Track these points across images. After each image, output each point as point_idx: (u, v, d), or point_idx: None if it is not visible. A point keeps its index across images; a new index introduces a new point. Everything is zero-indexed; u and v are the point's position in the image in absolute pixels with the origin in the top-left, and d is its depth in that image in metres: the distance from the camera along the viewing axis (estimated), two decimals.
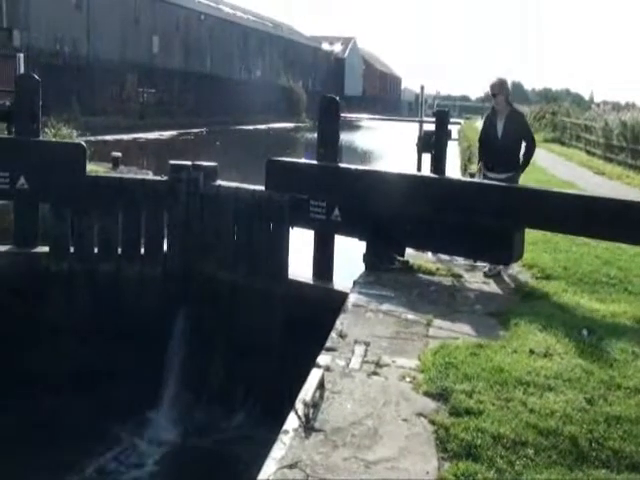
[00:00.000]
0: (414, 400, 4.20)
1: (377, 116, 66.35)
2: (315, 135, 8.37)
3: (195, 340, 8.07)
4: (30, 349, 7.93)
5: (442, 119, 7.90)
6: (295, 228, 8.00)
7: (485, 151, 7.69)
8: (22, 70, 9.14)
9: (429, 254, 7.79)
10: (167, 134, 41.85)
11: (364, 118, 60.29)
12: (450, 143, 8.14)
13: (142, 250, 8.48)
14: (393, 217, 7.26)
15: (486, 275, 7.14)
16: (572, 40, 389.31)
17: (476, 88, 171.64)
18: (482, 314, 5.96)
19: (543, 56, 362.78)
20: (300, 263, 8.24)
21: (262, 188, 8.16)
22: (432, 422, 3.91)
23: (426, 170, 8.06)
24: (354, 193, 7.53)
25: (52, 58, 38.75)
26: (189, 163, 8.55)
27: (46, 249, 8.33)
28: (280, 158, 8.63)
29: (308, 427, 3.80)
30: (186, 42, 57.92)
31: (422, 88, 9.79)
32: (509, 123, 7.42)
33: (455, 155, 24.52)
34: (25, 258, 8.27)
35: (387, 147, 41.06)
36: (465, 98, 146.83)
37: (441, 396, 4.22)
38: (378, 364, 4.72)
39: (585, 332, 5.37)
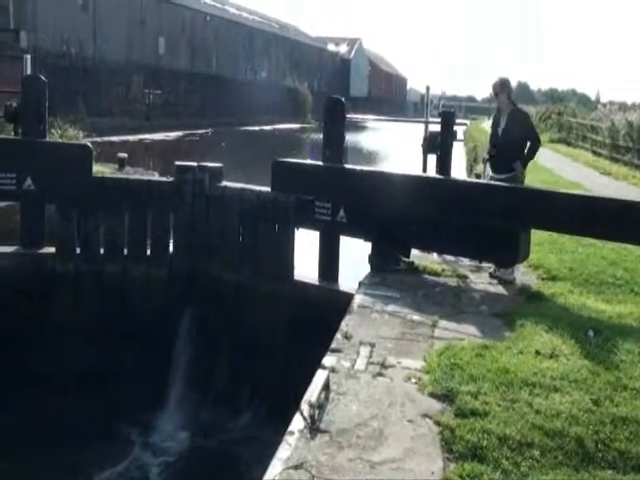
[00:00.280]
0: (419, 401, 4.20)
1: (382, 117, 66.27)
2: (321, 136, 8.38)
3: (201, 341, 8.09)
4: (36, 350, 7.94)
5: (448, 120, 7.89)
6: (300, 229, 8.01)
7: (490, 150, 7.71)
8: (29, 71, 9.13)
9: (434, 255, 7.79)
10: (173, 135, 41.92)
11: (370, 119, 60.27)
12: (456, 144, 8.13)
13: (148, 251, 8.50)
14: (398, 218, 7.26)
15: (498, 280, 7.07)
16: (578, 40, 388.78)
17: (482, 88, 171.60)
18: (488, 315, 5.95)
19: (549, 56, 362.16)
20: (306, 264, 8.24)
21: (268, 189, 8.17)
22: (437, 423, 3.91)
23: (431, 171, 8.06)
24: (359, 194, 7.54)
25: (59, 59, 38.86)
26: (195, 164, 8.57)
27: (52, 250, 8.35)
28: (286, 159, 8.65)
29: (313, 428, 3.80)
30: (192, 43, 58.02)
31: (428, 89, 9.78)
32: (510, 122, 7.42)
33: (461, 156, 24.48)
34: (31, 259, 8.30)
35: (392, 148, 41.02)
36: (471, 99, 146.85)
37: (446, 397, 4.22)
38: (383, 365, 4.72)
39: (591, 333, 5.36)
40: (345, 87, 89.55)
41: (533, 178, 8.61)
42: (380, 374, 4.58)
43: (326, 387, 4.22)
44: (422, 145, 8.29)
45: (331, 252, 7.96)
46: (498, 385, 4.35)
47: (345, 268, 8.02)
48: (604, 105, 31.55)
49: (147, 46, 51.38)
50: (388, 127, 62.53)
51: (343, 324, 5.50)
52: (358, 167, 8.14)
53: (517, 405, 4.10)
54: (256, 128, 54.44)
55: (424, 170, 8.47)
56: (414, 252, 7.53)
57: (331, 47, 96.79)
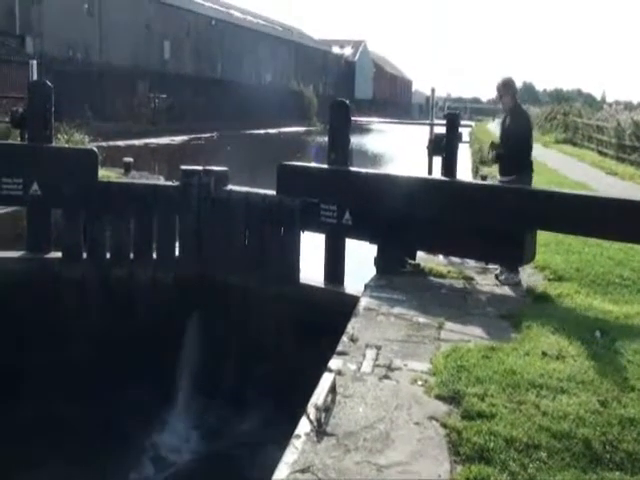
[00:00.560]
0: (426, 403, 4.20)
1: (388, 119, 66.21)
2: (326, 138, 8.38)
3: (207, 344, 8.09)
4: (43, 354, 7.96)
5: (453, 122, 7.88)
6: (306, 232, 8.01)
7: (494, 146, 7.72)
8: (35, 77, 9.18)
9: (440, 257, 7.78)
10: (178, 139, 42.00)
11: (375, 121, 60.28)
12: (461, 145, 8.13)
13: (154, 255, 8.52)
14: (404, 220, 7.26)
15: (503, 283, 7.05)
16: (584, 40, 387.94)
17: (487, 90, 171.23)
18: (494, 316, 5.94)
19: (554, 57, 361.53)
20: (311, 266, 8.24)
21: (273, 192, 8.18)
22: (444, 425, 3.91)
23: (437, 173, 8.05)
24: (365, 196, 7.54)
25: (65, 64, 38.95)
26: (200, 168, 8.58)
27: (59, 255, 8.38)
28: (291, 162, 8.66)
29: (320, 431, 3.80)
30: (197, 47, 58.16)
31: (433, 91, 9.77)
32: (510, 124, 7.40)
33: (466, 157, 24.45)
34: (38, 264, 8.32)
35: (398, 150, 40.99)
36: (476, 100, 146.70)
37: (453, 399, 4.21)
38: (390, 368, 4.72)
39: (598, 334, 5.35)
40: (350, 89, 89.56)
41: (538, 179, 8.59)
42: (386, 377, 4.58)
43: (332, 390, 4.21)
44: (427, 147, 8.29)
45: (337, 255, 7.96)
46: (505, 387, 4.34)
47: (351, 270, 8.02)
48: (610, 105, 31.49)
49: (152, 51, 51.56)
50: (393, 129, 62.49)
51: (349, 327, 5.50)
52: (363, 170, 8.15)
53: (524, 407, 4.10)
54: (261, 131, 54.49)
55: (429, 172, 8.47)
56: (420, 254, 7.52)
57: (336, 49, 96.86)
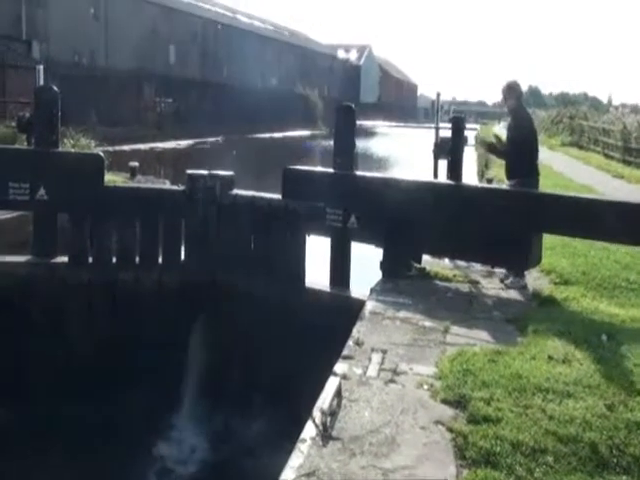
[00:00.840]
0: (432, 408, 4.19)
1: (393, 123, 66.26)
2: (331, 142, 8.39)
3: (213, 348, 8.10)
4: (50, 358, 7.99)
5: (458, 125, 7.89)
6: (312, 236, 8.01)
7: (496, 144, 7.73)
8: (41, 82, 9.22)
9: (446, 260, 7.77)
10: (184, 143, 42.10)
11: (380, 125, 60.30)
12: (466, 149, 8.12)
13: (160, 259, 8.53)
14: (409, 224, 7.25)
15: (508, 286, 7.03)
16: (590, 44, 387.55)
17: (493, 93, 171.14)
18: (500, 320, 5.93)
19: (560, 61, 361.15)
20: (317, 270, 8.24)
21: (279, 197, 8.19)
22: (450, 430, 3.90)
23: (442, 176, 8.05)
24: (370, 200, 7.54)
25: (71, 69, 39.09)
26: (206, 172, 8.59)
27: (65, 259, 8.40)
28: (297, 167, 8.67)
29: (326, 435, 3.80)
30: (203, 52, 58.29)
31: (438, 95, 9.78)
32: (512, 127, 7.40)
33: (472, 161, 24.43)
34: (44, 268, 8.34)
35: (403, 154, 41.00)
36: (482, 103, 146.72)
37: (459, 403, 4.21)
38: (395, 372, 4.71)
39: (604, 337, 5.33)
40: (355, 93, 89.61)
41: (544, 182, 8.57)
42: (392, 381, 4.57)
43: (338, 394, 4.21)
44: (433, 150, 8.29)
45: (342, 258, 7.96)
46: (511, 391, 4.33)
47: (356, 274, 8.01)
48: (616, 108, 31.46)
49: (158, 55, 51.66)
50: (398, 133, 62.55)
51: (355, 331, 5.50)
52: (369, 173, 8.16)
53: (530, 411, 4.08)
54: (267, 135, 54.57)
55: (435, 176, 8.47)
56: (425, 258, 7.51)
57: (341, 54, 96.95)
